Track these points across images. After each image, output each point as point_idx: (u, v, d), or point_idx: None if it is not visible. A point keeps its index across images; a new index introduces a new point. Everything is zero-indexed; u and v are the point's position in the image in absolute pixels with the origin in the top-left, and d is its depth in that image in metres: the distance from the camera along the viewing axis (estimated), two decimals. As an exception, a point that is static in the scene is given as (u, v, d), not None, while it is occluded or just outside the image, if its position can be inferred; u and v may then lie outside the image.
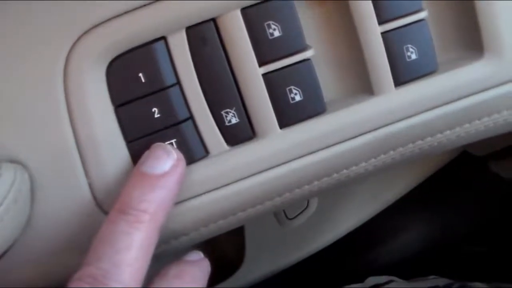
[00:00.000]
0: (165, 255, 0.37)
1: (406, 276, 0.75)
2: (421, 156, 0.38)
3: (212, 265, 0.37)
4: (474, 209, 0.84)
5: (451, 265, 0.86)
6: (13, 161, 0.30)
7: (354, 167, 0.35)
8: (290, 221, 0.63)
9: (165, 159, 0.31)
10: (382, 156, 0.35)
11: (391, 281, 0.77)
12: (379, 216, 0.74)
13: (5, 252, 0.31)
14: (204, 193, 0.33)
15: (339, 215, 0.67)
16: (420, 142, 0.36)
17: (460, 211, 0.85)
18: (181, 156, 0.31)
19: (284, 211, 0.63)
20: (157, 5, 0.30)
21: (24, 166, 0.30)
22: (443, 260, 0.86)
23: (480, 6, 0.33)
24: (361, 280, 0.75)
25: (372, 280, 0.77)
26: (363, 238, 0.82)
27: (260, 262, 0.67)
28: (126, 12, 0.30)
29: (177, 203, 0.33)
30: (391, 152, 0.36)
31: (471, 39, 0.35)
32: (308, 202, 0.62)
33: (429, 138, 0.36)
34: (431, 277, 0.75)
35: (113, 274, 0.27)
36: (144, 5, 0.30)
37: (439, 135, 0.36)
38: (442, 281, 0.73)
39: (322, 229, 0.68)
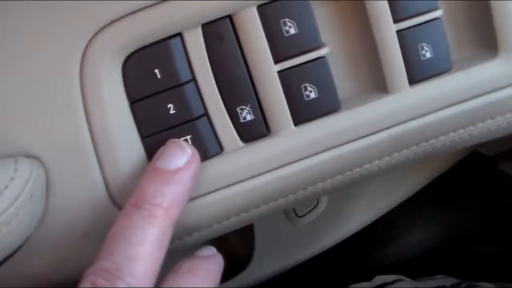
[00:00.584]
0: (176, 251, 0.38)
1: (414, 275, 0.75)
2: (434, 155, 0.38)
3: None
4: (482, 209, 0.84)
5: (458, 265, 0.86)
6: (29, 156, 0.30)
7: (367, 165, 0.35)
8: (300, 219, 0.63)
9: (180, 155, 0.31)
10: (396, 154, 0.36)
11: (398, 280, 0.77)
12: (387, 215, 0.74)
13: (20, 246, 0.31)
14: (219, 189, 0.33)
15: (348, 214, 0.68)
16: (433, 140, 0.36)
17: (468, 211, 0.85)
18: (195, 152, 0.32)
19: (294, 209, 0.63)
20: (174, 2, 0.31)
21: (39, 161, 0.30)
22: (451, 260, 0.86)
23: (496, 5, 0.33)
24: (369, 279, 0.76)
25: (380, 279, 0.77)
26: (371, 237, 0.82)
27: (268, 260, 0.67)
28: (142, 9, 0.30)
29: (192, 199, 0.33)
30: (405, 151, 0.36)
31: (486, 39, 0.35)
32: (318, 200, 0.62)
33: (442, 137, 0.36)
34: (439, 276, 0.75)
35: (126, 268, 0.27)
36: (161, 2, 0.31)
37: (452, 134, 0.36)
38: (449, 281, 0.73)
39: (331, 227, 0.68)
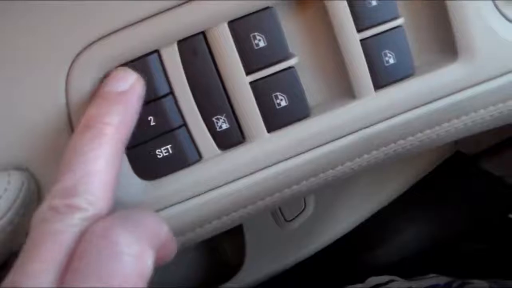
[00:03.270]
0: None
1: (407, 275, 0.78)
2: (405, 155, 0.41)
3: (213, 268, 0.40)
4: (470, 208, 0.87)
5: (450, 263, 0.89)
6: (20, 168, 0.33)
7: (339, 167, 0.39)
8: (289, 223, 0.66)
9: (125, 79, 0.33)
10: (366, 156, 0.39)
11: (392, 280, 0.80)
12: (377, 217, 0.77)
13: (15, 253, 0.34)
14: (199, 195, 0.36)
15: (336, 217, 0.71)
16: (402, 141, 0.39)
17: (455, 210, 0.88)
18: (139, 76, 0.34)
19: (282, 213, 0.66)
20: (150, 21, 0.34)
21: (31, 173, 0.33)
22: (442, 259, 0.89)
23: (452, 10, 0.36)
24: (362, 280, 0.78)
25: (373, 280, 0.80)
26: (363, 239, 0.84)
27: (260, 264, 0.70)
28: (122, 28, 0.34)
29: (173, 205, 0.36)
30: (374, 152, 0.39)
31: (446, 43, 0.38)
32: (305, 204, 0.66)
33: (410, 137, 0.39)
34: (431, 275, 0.78)
35: (82, 185, 0.29)
36: (138, 21, 0.34)
37: (419, 134, 0.39)
38: (442, 280, 0.76)
39: (320, 230, 0.71)
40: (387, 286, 0.78)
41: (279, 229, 0.67)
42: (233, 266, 0.71)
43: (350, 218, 0.72)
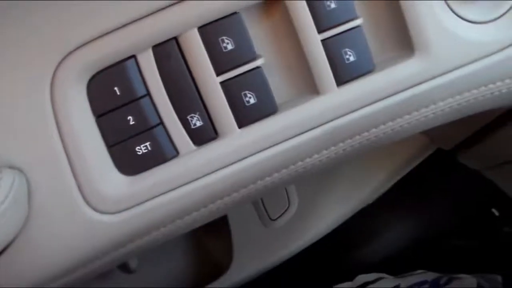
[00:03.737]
0: (143, 251, 0.44)
1: (395, 272, 0.81)
2: (371, 147, 0.44)
3: (201, 268, 0.43)
4: (453, 203, 0.90)
5: (436, 259, 0.92)
6: (11, 167, 0.37)
7: (308, 159, 0.42)
8: (274, 222, 0.70)
9: None
10: (333, 148, 0.42)
11: (380, 278, 0.84)
12: (362, 215, 0.81)
13: (7, 247, 0.38)
14: (177, 187, 0.40)
15: (319, 214, 0.74)
16: (366, 133, 0.43)
17: (439, 206, 0.91)
18: None
19: (267, 212, 0.69)
20: (127, 28, 0.37)
21: (21, 171, 0.37)
22: (429, 255, 0.92)
23: (407, 10, 0.40)
24: (350, 278, 0.82)
25: (362, 278, 0.83)
26: (349, 238, 0.88)
27: (248, 263, 0.74)
28: (102, 36, 0.37)
29: (154, 197, 0.40)
30: (341, 144, 0.42)
31: (403, 40, 0.41)
32: (289, 203, 0.69)
33: (373, 129, 0.43)
34: (419, 272, 0.82)
35: None
36: (116, 29, 0.37)
37: (382, 126, 0.43)
38: (429, 276, 0.80)
39: (305, 227, 0.74)
40: (376, 284, 0.82)
41: (265, 228, 0.70)
42: (221, 266, 0.74)
43: (334, 215, 0.75)
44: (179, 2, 0.37)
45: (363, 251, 0.91)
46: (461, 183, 0.88)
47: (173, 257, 0.73)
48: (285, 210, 0.69)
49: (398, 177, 0.78)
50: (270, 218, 0.70)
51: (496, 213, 0.94)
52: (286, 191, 0.69)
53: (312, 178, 0.74)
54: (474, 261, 0.91)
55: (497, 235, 0.94)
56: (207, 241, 0.78)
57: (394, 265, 0.87)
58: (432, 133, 0.71)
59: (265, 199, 0.69)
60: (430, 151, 0.79)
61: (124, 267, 0.67)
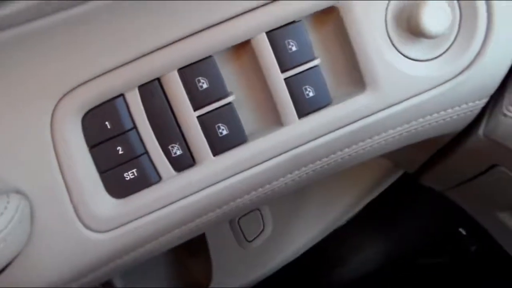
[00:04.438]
0: (130, 267, 0.51)
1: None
2: (331, 170, 0.52)
3: (182, 287, 0.49)
4: (421, 225, 0.96)
5: (409, 278, 0.98)
6: (17, 192, 0.43)
7: (275, 182, 0.49)
8: (250, 243, 0.76)
9: None
10: (296, 172, 0.50)
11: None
12: (336, 237, 0.87)
13: (10, 262, 0.44)
14: (160, 208, 0.46)
15: (293, 234, 0.81)
16: (325, 159, 0.50)
17: (409, 228, 0.97)
18: None
19: (243, 235, 0.76)
20: (116, 71, 0.44)
21: (25, 196, 0.43)
22: (402, 274, 0.98)
23: (358, 51, 0.47)
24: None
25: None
26: (325, 258, 0.94)
27: (226, 282, 0.80)
28: (94, 78, 0.44)
29: (140, 217, 0.46)
30: (303, 168, 0.50)
31: (356, 77, 0.48)
32: (264, 225, 0.76)
33: (332, 155, 0.50)
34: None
35: None
36: (106, 72, 0.44)
37: (339, 152, 0.50)
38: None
39: (280, 248, 0.81)
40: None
41: (242, 249, 0.77)
42: (201, 285, 0.81)
43: (306, 236, 0.82)
44: (161, 48, 0.44)
45: (339, 270, 0.97)
46: (429, 205, 0.95)
47: (156, 277, 0.80)
48: (261, 232, 0.76)
49: (367, 200, 0.84)
50: (247, 240, 0.76)
51: (463, 233, 1.01)
52: (261, 214, 0.75)
53: (285, 201, 0.81)
54: (444, 279, 0.97)
55: (465, 254, 1.01)
56: (188, 262, 0.84)
57: (369, 284, 0.93)
58: (395, 158, 0.78)
59: (242, 222, 0.75)
60: (397, 175, 0.85)
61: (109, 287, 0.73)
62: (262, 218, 0.75)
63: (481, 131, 0.55)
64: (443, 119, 0.52)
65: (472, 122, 0.55)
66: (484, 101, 0.52)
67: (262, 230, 0.76)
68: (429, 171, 0.73)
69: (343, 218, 0.83)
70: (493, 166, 0.61)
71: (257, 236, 0.76)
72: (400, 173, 0.85)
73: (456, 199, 0.79)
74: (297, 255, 0.83)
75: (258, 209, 0.74)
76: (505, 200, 0.67)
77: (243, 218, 0.74)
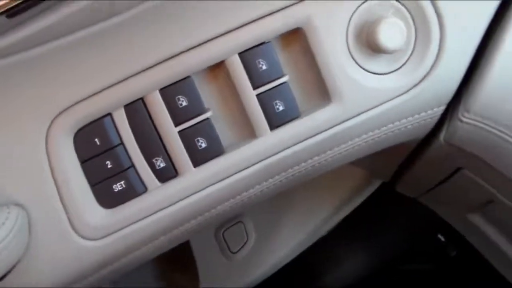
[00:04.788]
0: (121, 273, 0.55)
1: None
2: (303, 178, 0.56)
3: None
4: (401, 232, 1.00)
5: (394, 285, 1.01)
6: (16, 204, 0.47)
7: (251, 190, 0.54)
8: (235, 255, 0.81)
9: None
10: (271, 180, 0.55)
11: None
12: (320, 248, 0.90)
13: (10, 270, 0.49)
14: (146, 217, 0.51)
15: (275, 245, 0.85)
16: (296, 167, 0.55)
17: (390, 236, 1.01)
18: None
19: (228, 247, 0.81)
20: (104, 92, 0.48)
21: (23, 207, 0.48)
22: (386, 282, 1.01)
23: (322, 68, 0.51)
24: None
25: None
26: (312, 267, 0.97)
27: (213, 293, 0.84)
28: (83, 99, 0.48)
29: (128, 225, 0.51)
30: (277, 177, 0.55)
31: (322, 91, 0.52)
32: (247, 236, 0.80)
33: (303, 163, 0.55)
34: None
35: None
36: (95, 93, 0.48)
37: (310, 161, 0.55)
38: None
39: (264, 257, 0.85)
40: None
41: (227, 261, 0.81)
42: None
43: (288, 246, 0.86)
44: (144, 70, 0.49)
45: (325, 278, 1.00)
46: (403, 211, 0.98)
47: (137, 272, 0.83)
48: (245, 243, 0.80)
49: (347, 210, 0.88)
50: (231, 251, 0.80)
51: (442, 239, 1.05)
52: (244, 226, 0.80)
53: (267, 213, 0.85)
54: (427, 285, 1.01)
55: (446, 259, 1.05)
56: (175, 274, 0.88)
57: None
58: (368, 167, 0.83)
59: (226, 235, 0.80)
60: (375, 185, 0.90)
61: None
62: (245, 230, 0.79)
63: (442, 137, 0.59)
64: (405, 127, 0.56)
65: (434, 129, 0.60)
66: (442, 108, 0.56)
67: (246, 241, 0.80)
68: (401, 179, 0.78)
69: (324, 228, 0.87)
70: (457, 170, 0.65)
71: (241, 248, 0.80)
72: (378, 183, 0.89)
73: (429, 205, 0.82)
74: (281, 265, 0.86)
75: (242, 222, 0.79)
76: (472, 202, 0.71)
77: (227, 230, 0.79)
